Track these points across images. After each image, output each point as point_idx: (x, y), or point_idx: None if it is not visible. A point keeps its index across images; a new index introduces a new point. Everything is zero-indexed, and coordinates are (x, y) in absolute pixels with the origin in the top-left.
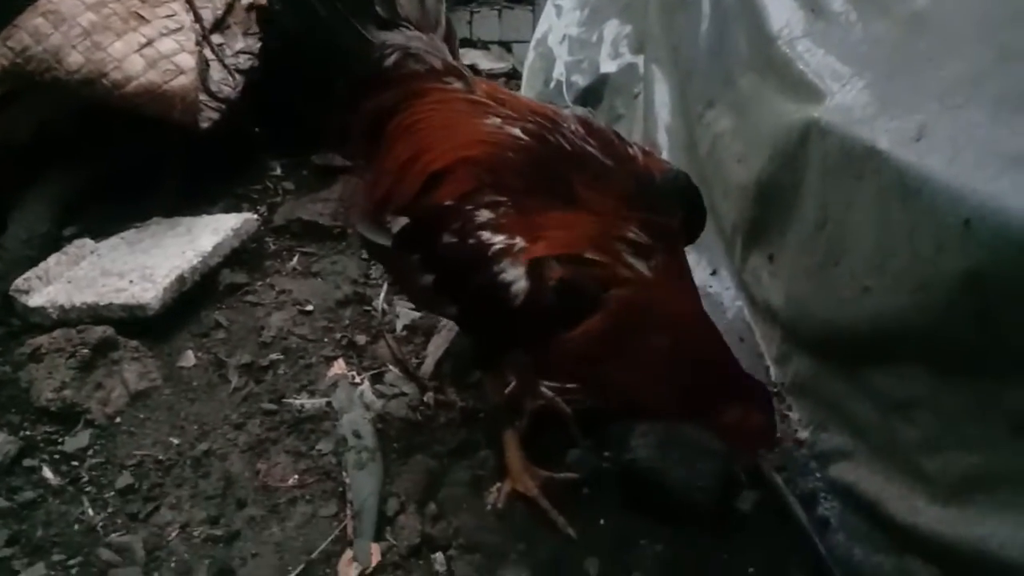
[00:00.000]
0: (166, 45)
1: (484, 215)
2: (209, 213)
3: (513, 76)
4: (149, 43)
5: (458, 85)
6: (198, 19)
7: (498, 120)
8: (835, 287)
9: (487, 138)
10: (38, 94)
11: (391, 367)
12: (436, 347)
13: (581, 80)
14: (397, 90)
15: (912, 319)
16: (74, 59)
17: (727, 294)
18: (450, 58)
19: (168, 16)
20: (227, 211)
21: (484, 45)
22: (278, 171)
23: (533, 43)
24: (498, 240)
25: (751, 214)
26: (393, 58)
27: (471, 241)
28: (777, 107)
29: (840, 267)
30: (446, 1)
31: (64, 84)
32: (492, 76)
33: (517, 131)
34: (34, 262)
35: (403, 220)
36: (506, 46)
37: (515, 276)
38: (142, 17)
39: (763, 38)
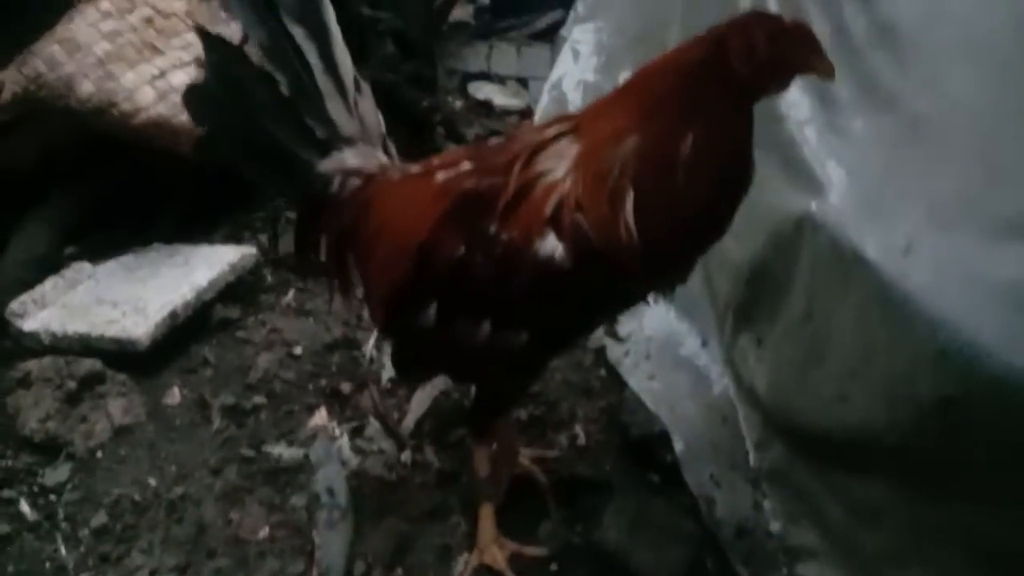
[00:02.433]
0: (178, 78)
1: (492, 227)
2: (210, 241)
3: (527, 114)
4: (161, 75)
5: (396, 175)
6: None
7: (443, 172)
8: (816, 386)
9: (446, 184)
10: (47, 120)
11: (372, 420)
12: (418, 404)
13: None
14: (347, 211)
15: (884, 433)
16: (86, 88)
17: (714, 369)
18: (384, 158)
19: (183, 48)
20: (228, 239)
21: (500, 80)
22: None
23: (548, 86)
24: (516, 232)
25: (743, 293)
26: (337, 181)
27: (500, 251)
28: (777, 190)
29: (822, 368)
30: (465, 33)
31: (75, 112)
32: (506, 112)
33: (464, 163)
34: (31, 284)
35: (432, 305)
36: (522, 82)
37: (549, 244)
38: (156, 48)
39: (772, 115)
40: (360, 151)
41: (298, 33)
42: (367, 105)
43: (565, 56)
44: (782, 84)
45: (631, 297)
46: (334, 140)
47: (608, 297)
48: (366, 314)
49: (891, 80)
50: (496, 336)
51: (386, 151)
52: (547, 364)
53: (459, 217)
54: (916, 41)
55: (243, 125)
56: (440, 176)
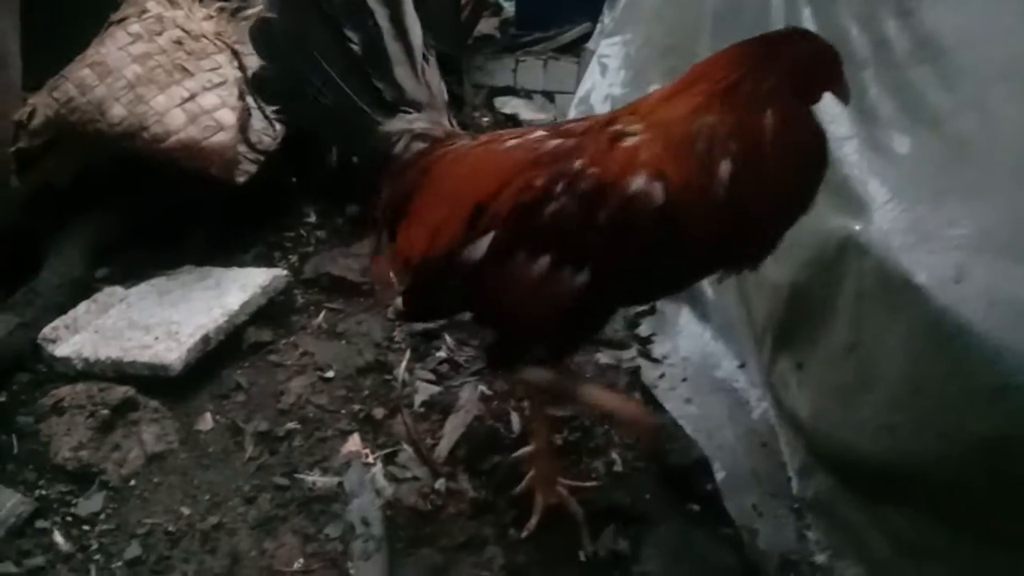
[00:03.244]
0: (208, 100)
1: (576, 163)
2: (241, 263)
3: None
4: (191, 97)
5: (463, 140)
6: (242, 68)
7: (513, 139)
8: (861, 415)
9: (521, 147)
10: (80, 142)
11: (405, 446)
12: (453, 428)
13: None
14: (409, 172)
15: (932, 468)
16: (117, 111)
17: (753, 392)
18: (449, 125)
19: (213, 69)
20: (259, 259)
21: (527, 94)
22: (312, 218)
23: (576, 100)
24: (607, 167)
25: (782, 315)
26: (401, 143)
27: (585, 184)
28: (819, 209)
29: (868, 397)
30: (492, 48)
31: (105, 136)
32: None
33: (536, 132)
34: (64, 309)
35: (486, 240)
36: (549, 96)
37: (642, 181)
38: (186, 70)
39: None
40: (426, 116)
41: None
42: (433, 74)
43: (592, 70)
44: (815, 98)
45: (703, 265)
46: (401, 103)
47: (684, 256)
48: (398, 335)
49: (935, 98)
50: (553, 274)
51: (450, 121)
52: (589, 326)
53: (540, 161)
54: (960, 59)
55: (310, 71)
56: (513, 142)
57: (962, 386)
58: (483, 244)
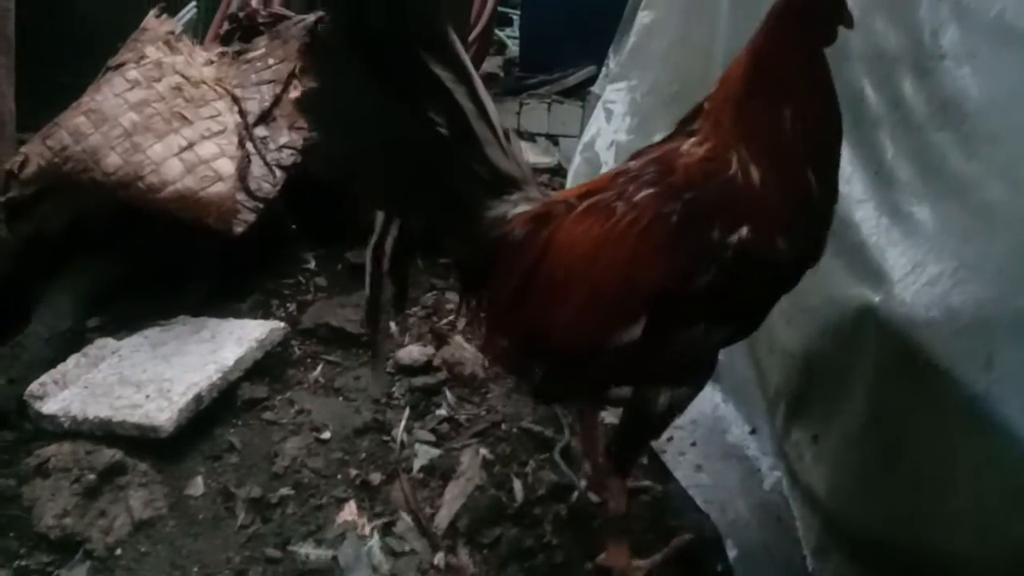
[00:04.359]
0: (206, 149)
1: (714, 234)
2: (237, 312)
3: (558, 172)
4: (189, 146)
5: (563, 208)
6: (243, 115)
7: (618, 202)
8: (883, 498)
9: (647, 232)
10: (74, 191)
11: (403, 515)
12: (453, 497)
13: None
14: (521, 255)
15: (964, 564)
16: (112, 160)
17: (765, 460)
18: (539, 193)
19: (212, 117)
20: (256, 307)
21: (531, 137)
22: (312, 264)
23: (580, 147)
24: (744, 232)
25: (797, 384)
26: (511, 229)
27: (730, 254)
28: (834, 276)
29: (890, 478)
30: (495, 89)
31: (100, 185)
32: (537, 171)
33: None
34: (53, 362)
35: (639, 325)
36: (553, 140)
37: (780, 242)
38: (185, 118)
39: None
40: (525, 193)
41: (444, 76)
42: (518, 149)
43: (598, 116)
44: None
45: None
46: (498, 183)
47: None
48: (397, 391)
49: (958, 164)
50: (708, 334)
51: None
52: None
53: (676, 241)
54: (985, 124)
55: (392, 156)
56: (621, 208)
57: (1002, 484)
58: (636, 329)
